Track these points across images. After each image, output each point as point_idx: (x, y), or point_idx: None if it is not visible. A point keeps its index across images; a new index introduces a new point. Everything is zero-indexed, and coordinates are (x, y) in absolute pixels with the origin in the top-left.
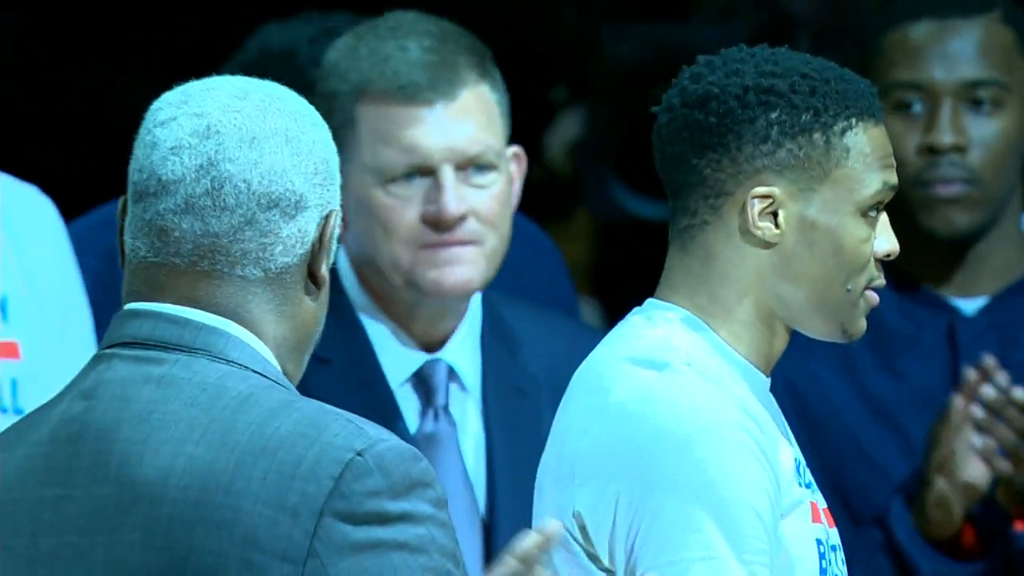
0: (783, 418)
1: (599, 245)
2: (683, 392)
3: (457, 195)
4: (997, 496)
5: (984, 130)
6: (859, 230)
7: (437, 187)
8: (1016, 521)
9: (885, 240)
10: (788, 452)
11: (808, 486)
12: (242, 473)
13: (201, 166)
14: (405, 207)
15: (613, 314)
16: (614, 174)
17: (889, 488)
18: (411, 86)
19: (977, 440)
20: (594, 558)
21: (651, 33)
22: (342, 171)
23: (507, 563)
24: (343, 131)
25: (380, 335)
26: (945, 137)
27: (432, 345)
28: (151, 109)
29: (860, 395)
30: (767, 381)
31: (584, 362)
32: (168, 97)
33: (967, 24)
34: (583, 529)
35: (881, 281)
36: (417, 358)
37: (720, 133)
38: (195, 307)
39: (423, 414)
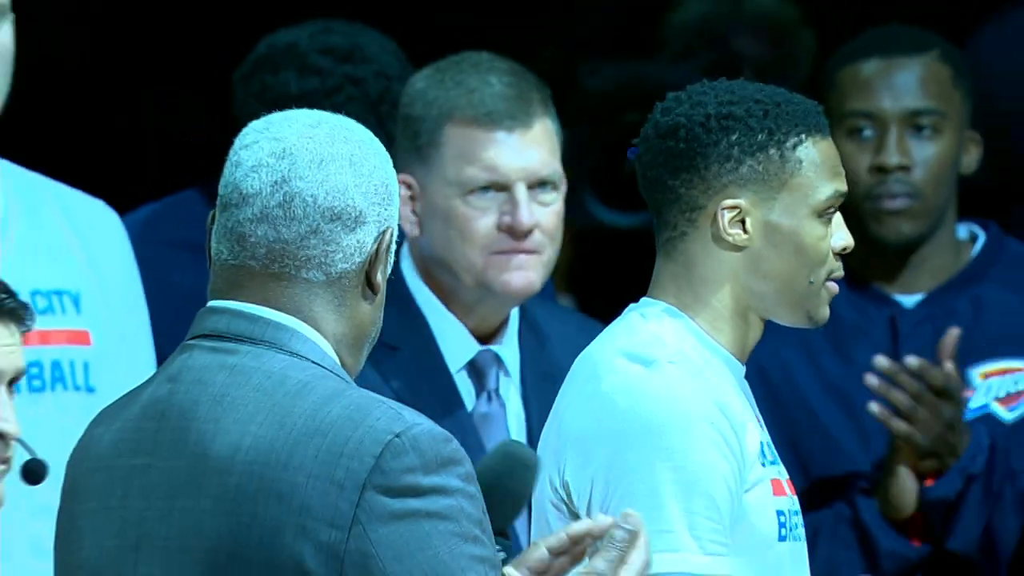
0: (754, 402)
1: (574, 249)
2: (664, 387)
3: (529, 209)
4: (897, 457)
5: (925, 152)
6: (816, 230)
7: (512, 202)
8: (927, 480)
9: (841, 237)
10: (755, 435)
11: (773, 463)
12: (298, 451)
13: (276, 182)
14: (482, 217)
15: (585, 308)
16: (588, 189)
17: (841, 458)
18: (495, 114)
19: (874, 406)
20: (578, 518)
21: (620, 69)
22: (424, 183)
23: (559, 536)
24: (428, 149)
25: (441, 327)
26: (892, 158)
27: (483, 337)
28: (240, 134)
29: (818, 377)
30: (743, 368)
31: (584, 352)
32: (254, 124)
33: (910, 61)
34: (569, 496)
35: (840, 272)
36: (472, 348)
37: (689, 156)
38: (266, 306)
39: (477, 396)
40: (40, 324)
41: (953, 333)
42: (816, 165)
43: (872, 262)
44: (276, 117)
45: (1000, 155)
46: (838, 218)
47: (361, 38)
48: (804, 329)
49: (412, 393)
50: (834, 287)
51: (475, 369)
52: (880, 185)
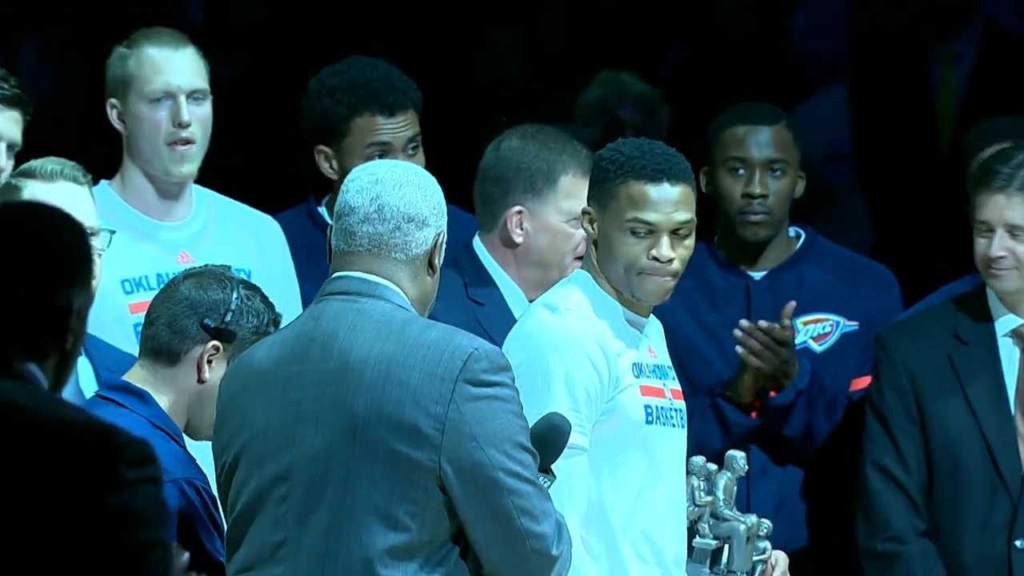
0: (649, 339)
1: None
2: (558, 324)
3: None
4: (743, 372)
5: (777, 186)
6: (627, 241)
7: (658, 243)
8: (772, 393)
9: (649, 250)
10: (628, 358)
11: (650, 376)
12: (411, 357)
13: (372, 199)
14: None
15: None
16: None
17: (711, 374)
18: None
19: (739, 349)
20: None
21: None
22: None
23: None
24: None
25: (509, 295)
26: (756, 189)
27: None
28: (347, 177)
29: (699, 324)
30: (642, 318)
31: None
32: (356, 169)
33: (768, 127)
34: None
35: (651, 269)
36: (525, 304)
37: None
38: (371, 274)
39: None
40: None
41: (791, 305)
42: (632, 198)
43: (738, 252)
44: (372, 164)
45: (813, 185)
46: (661, 238)
47: None
48: (689, 292)
49: (490, 328)
50: (649, 278)
51: None
52: (748, 206)
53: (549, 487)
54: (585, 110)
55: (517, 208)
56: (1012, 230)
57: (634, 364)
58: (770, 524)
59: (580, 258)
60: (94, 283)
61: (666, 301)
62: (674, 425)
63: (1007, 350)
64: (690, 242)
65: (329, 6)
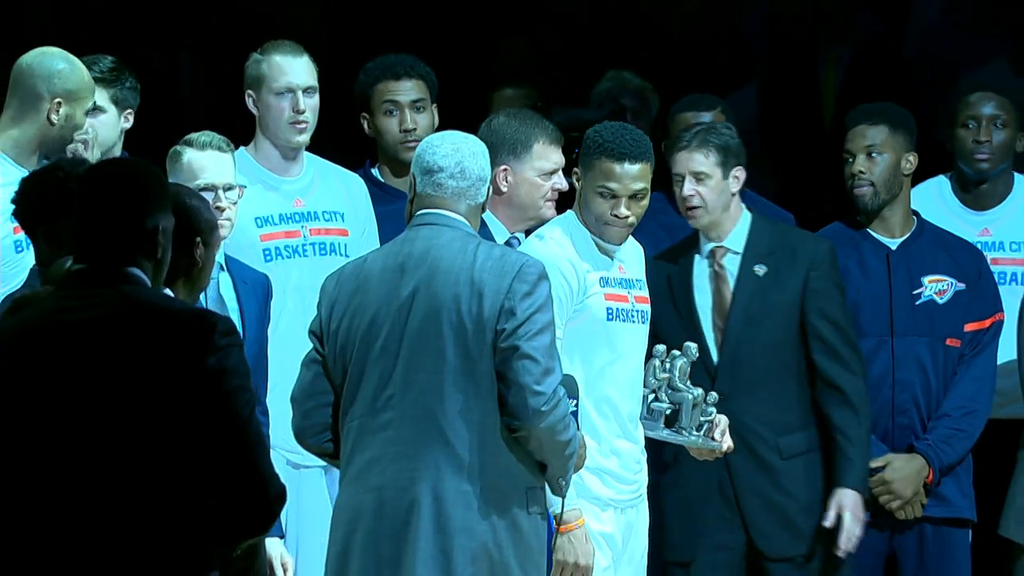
0: (621, 260)
1: None
2: (542, 248)
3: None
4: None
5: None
6: (597, 200)
7: (618, 205)
8: None
9: (612, 209)
10: (596, 275)
11: (615, 286)
12: (480, 266)
13: (456, 162)
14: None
15: None
16: None
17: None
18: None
19: None
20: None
21: (570, 112)
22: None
23: None
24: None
25: (493, 228)
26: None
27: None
28: (425, 142)
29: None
30: (613, 246)
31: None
32: (432, 137)
33: (710, 112)
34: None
35: (612, 222)
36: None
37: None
38: (451, 213)
39: None
40: (328, 225)
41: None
42: (604, 170)
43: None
44: (447, 133)
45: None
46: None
47: None
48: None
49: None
50: (611, 227)
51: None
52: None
53: (576, 406)
54: (597, 97)
55: (503, 167)
56: (696, 176)
57: (601, 278)
58: (716, 395)
59: (550, 201)
60: (232, 221)
61: (625, 240)
62: (635, 322)
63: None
64: (645, 202)
65: (383, 29)
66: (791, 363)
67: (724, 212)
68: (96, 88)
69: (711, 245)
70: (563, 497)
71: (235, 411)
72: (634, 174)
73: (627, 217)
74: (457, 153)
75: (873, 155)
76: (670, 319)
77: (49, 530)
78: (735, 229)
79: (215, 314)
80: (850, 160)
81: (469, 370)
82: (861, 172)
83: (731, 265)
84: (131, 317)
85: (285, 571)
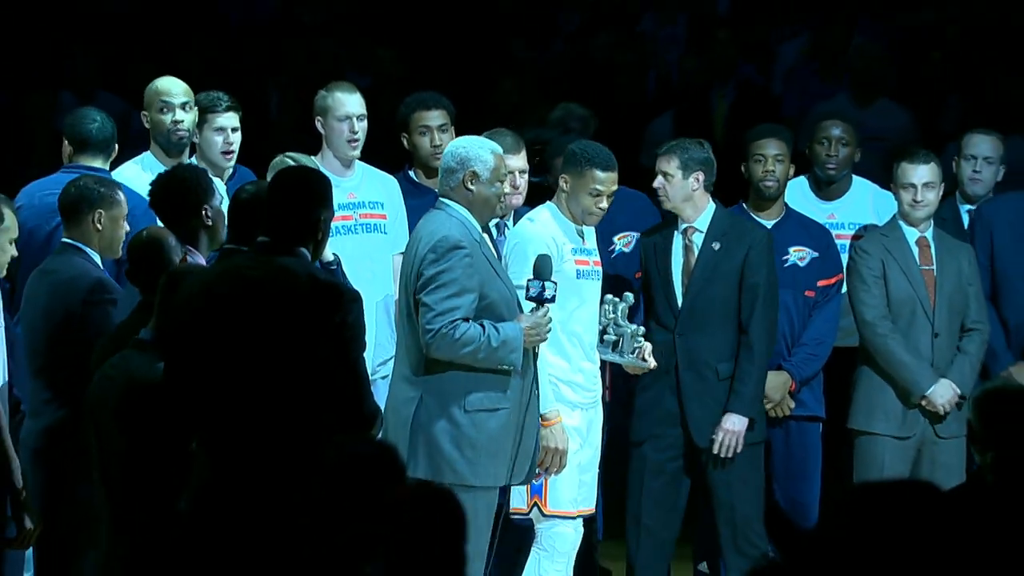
0: (587, 238)
1: None
2: (529, 227)
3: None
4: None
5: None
6: (587, 198)
7: (601, 200)
8: None
9: (596, 204)
10: (570, 246)
11: (580, 255)
12: (417, 239)
13: (452, 155)
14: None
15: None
16: None
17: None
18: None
19: None
20: None
21: (528, 132)
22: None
23: None
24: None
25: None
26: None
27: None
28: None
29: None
30: (572, 223)
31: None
32: (453, 142)
33: (616, 172)
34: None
35: (596, 212)
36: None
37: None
38: (446, 199)
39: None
40: (372, 211)
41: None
42: (592, 177)
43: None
44: (458, 139)
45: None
46: (601, 201)
47: None
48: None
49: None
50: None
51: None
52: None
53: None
54: (553, 121)
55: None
56: (664, 174)
57: (573, 248)
58: (643, 328)
59: (508, 194)
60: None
61: (598, 220)
62: (593, 279)
63: None
64: (613, 197)
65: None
66: (731, 313)
67: (686, 201)
68: (231, 113)
69: (684, 225)
70: (515, 377)
71: (349, 352)
72: (614, 179)
73: (605, 208)
74: (460, 151)
75: (780, 160)
76: (654, 277)
77: (232, 426)
78: (702, 215)
79: (340, 283)
80: (761, 161)
81: (410, 312)
82: (772, 171)
83: (698, 240)
84: (290, 280)
85: None
